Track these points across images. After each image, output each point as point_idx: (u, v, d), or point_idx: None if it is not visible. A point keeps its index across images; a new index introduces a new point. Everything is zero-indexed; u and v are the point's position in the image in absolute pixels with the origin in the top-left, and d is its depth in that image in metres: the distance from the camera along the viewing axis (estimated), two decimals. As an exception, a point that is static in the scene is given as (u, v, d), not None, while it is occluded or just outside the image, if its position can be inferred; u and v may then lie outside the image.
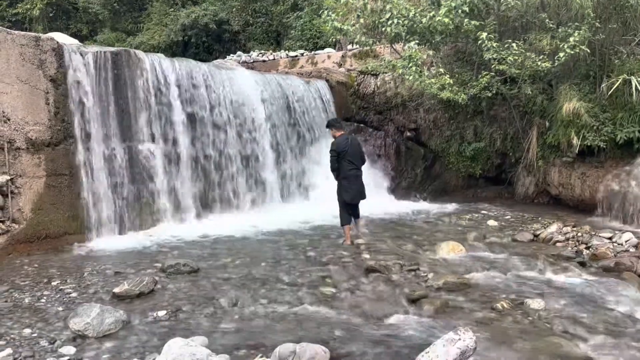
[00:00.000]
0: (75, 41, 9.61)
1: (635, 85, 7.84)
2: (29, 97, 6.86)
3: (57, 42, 7.26)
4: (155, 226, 8.04)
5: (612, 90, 8.23)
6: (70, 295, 5.11)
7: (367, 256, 6.42)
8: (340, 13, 10.43)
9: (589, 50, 8.52)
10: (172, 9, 19.62)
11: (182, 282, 5.49)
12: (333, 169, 7.08)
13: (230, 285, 5.43)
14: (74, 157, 7.30)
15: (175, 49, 18.81)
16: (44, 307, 4.80)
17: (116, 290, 5.08)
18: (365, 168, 10.65)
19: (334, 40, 13.38)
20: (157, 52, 17.66)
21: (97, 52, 7.71)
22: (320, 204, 9.74)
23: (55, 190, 7.06)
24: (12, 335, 4.18)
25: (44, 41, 7.07)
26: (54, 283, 5.44)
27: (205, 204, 8.84)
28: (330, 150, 7.03)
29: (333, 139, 7.11)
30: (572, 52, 8.38)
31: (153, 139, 8.20)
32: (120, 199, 7.74)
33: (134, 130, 8.00)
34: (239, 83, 9.69)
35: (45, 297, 5.04)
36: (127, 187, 7.84)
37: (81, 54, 7.51)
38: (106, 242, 7.30)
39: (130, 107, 7.96)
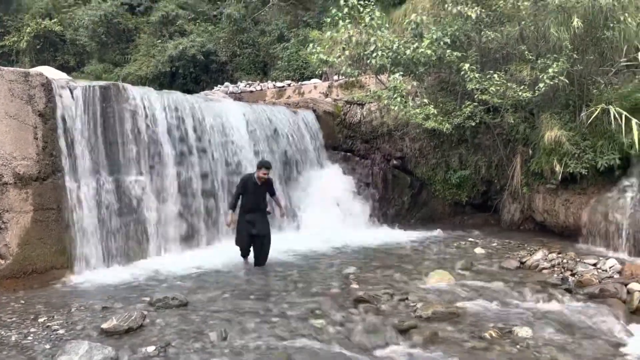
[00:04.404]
0: (64, 75, 9.70)
1: (614, 114, 8.07)
2: (17, 132, 6.88)
3: (46, 78, 7.32)
4: (144, 259, 7.98)
5: (591, 119, 8.46)
6: (58, 332, 5.06)
7: (356, 286, 6.45)
8: (326, 46, 10.66)
9: (567, 81, 8.77)
10: (160, 41, 19.83)
11: (171, 316, 5.46)
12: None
13: (219, 318, 5.41)
14: (61, 191, 7.28)
15: (162, 80, 18.95)
16: (31, 345, 4.74)
17: (104, 325, 5.04)
18: (353, 196, 10.89)
19: (320, 71, 13.62)
20: (145, 82, 17.85)
21: (85, 86, 7.78)
22: (308, 233, 9.80)
23: (42, 224, 7.02)
24: (-2, 375, 4.13)
25: (33, 77, 7.13)
26: (40, 320, 5.38)
27: (193, 236, 8.81)
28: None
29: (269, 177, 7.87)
30: (552, 82, 8.63)
31: (141, 172, 8.22)
32: (108, 232, 7.70)
33: (122, 164, 8.02)
34: (226, 115, 9.78)
35: (32, 335, 4.98)
36: (115, 220, 7.81)
37: (70, 89, 7.57)
38: (94, 276, 7.23)
39: (118, 141, 8.00)
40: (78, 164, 7.52)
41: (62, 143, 7.35)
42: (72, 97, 7.56)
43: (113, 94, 8.00)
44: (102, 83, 8.22)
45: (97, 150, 7.76)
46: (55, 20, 22.11)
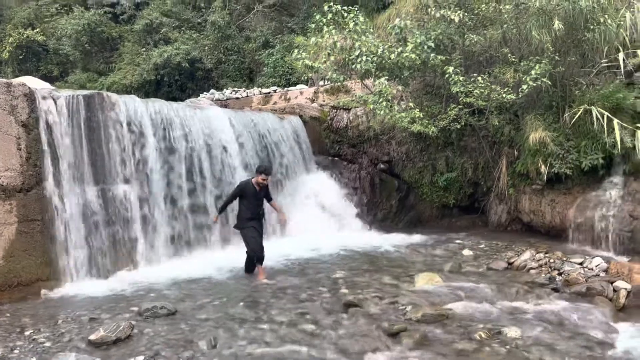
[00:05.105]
0: (48, 85, 9.60)
1: (596, 115, 8.17)
2: (0, 143, 6.80)
3: (29, 88, 7.25)
4: (131, 269, 7.92)
5: (574, 119, 8.56)
6: (44, 344, 5.00)
7: (346, 290, 6.45)
8: (311, 51, 10.68)
9: (550, 83, 8.87)
10: (144, 49, 19.77)
11: (159, 325, 5.43)
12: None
13: (208, 326, 5.39)
14: (46, 201, 7.21)
15: (148, 88, 18.89)
16: (17, 359, 4.68)
17: (92, 337, 4.99)
18: (341, 201, 10.91)
19: (306, 77, 13.66)
20: (130, 91, 17.77)
21: (69, 96, 7.71)
22: (297, 238, 9.78)
23: (27, 236, 6.94)
24: (-17, 390, 4.07)
25: (16, 87, 7.06)
26: (27, 332, 5.32)
27: (181, 245, 8.75)
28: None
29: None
30: (535, 84, 8.72)
31: (127, 181, 8.16)
32: (94, 242, 7.62)
33: (107, 173, 7.96)
34: (213, 122, 9.75)
35: (18, 348, 4.92)
36: (101, 229, 7.74)
37: (53, 99, 7.51)
38: (81, 287, 7.14)
39: (103, 150, 7.93)
40: (63, 174, 7.44)
41: (46, 153, 7.28)
42: (56, 106, 7.49)
43: (97, 103, 7.94)
44: (86, 92, 8.16)
45: (82, 159, 7.69)
46: (37, 30, 21.95)
